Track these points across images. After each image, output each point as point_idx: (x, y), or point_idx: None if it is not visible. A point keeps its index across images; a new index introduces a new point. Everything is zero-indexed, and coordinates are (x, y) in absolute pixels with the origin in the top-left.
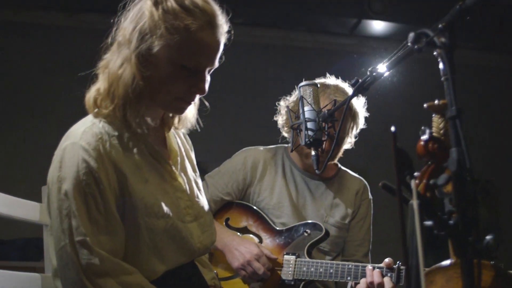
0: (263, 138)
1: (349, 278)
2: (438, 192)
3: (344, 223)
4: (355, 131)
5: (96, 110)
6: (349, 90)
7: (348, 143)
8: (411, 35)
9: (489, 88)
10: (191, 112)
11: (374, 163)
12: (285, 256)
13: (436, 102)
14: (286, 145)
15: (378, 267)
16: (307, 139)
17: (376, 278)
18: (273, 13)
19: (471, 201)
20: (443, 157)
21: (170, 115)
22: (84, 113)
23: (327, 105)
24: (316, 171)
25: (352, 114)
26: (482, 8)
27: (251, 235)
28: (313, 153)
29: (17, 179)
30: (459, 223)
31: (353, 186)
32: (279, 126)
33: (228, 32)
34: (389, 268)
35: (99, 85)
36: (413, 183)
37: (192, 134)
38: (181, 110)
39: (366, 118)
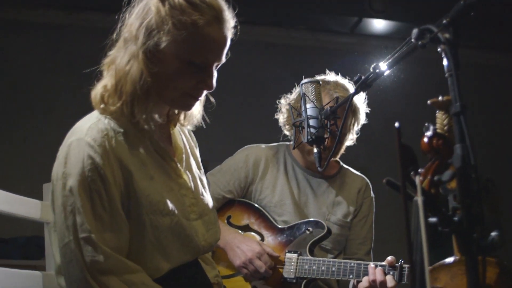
0: (264, 136)
1: (351, 276)
2: (442, 189)
3: (346, 221)
4: (356, 127)
5: (102, 106)
6: (349, 86)
7: (350, 139)
8: (415, 31)
9: (489, 87)
10: (196, 109)
11: (374, 162)
12: (287, 254)
13: (440, 98)
14: (288, 143)
15: (381, 265)
16: (309, 137)
17: (379, 276)
18: (273, 11)
19: (476, 198)
20: (448, 153)
21: (176, 111)
22: (84, 111)
23: (329, 102)
24: (318, 168)
25: (352, 110)
26: (482, 7)
27: (252, 233)
28: (315, 150)
29: (18, 177)
30: (463, 219)
31: (355, 184)
32: (280, 124)
33: (235, 27)
34: (392, 266)
35: (106, 82)
36: (417, 179)
37: (193, 132)
38: (188, 106)
39: (366, 115)
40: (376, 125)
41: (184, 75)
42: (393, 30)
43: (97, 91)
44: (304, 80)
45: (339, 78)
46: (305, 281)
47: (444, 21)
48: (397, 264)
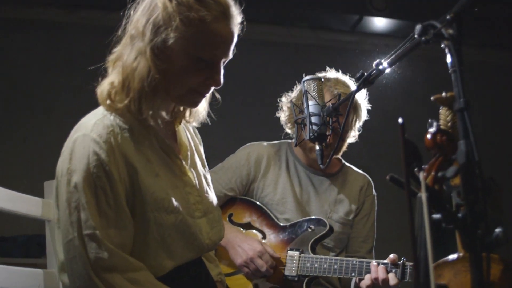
0: (265, 134)
1: (353, 274)
2: (446, 186)
3: (348, 219)
4: (358, 124)
5: (108, 102)
6: (350, 83)
7: (352, 136)
8: (418, 27)
9: (490, 85)
10: (202, 106)
11: (375, 161)
12: (289, 252)
13: (443, 94)
14: (290, 140)
15: (383, 263)
16: (311, 134)
17: (381, 274)
18: (274, 10)
19: (480, 194)
20: (452, 149)
21: (181, 108)
22: (84, 110)
23: (331, 99)
24: (321, 165)
25: (354, 107)
26: (482, 6)
27: (254, 231)
28: (317, 147)
29: (19, 176)
30: (467, 216)
31: (357, 182)
32: (282, 122)
33: (241, 23)
34: (394, 264)
35: (113, 79)
36: (421, 175)
37: None
38: (195, 103)
39: (368, 113)
40: (378, 123)
41: (192, 72)
42: (394, 28)
43: (103, 88)
44: (306, 77)
45: (340, 75)
46: (307, 279)
47: (448, 17)
48: (399, 262)
